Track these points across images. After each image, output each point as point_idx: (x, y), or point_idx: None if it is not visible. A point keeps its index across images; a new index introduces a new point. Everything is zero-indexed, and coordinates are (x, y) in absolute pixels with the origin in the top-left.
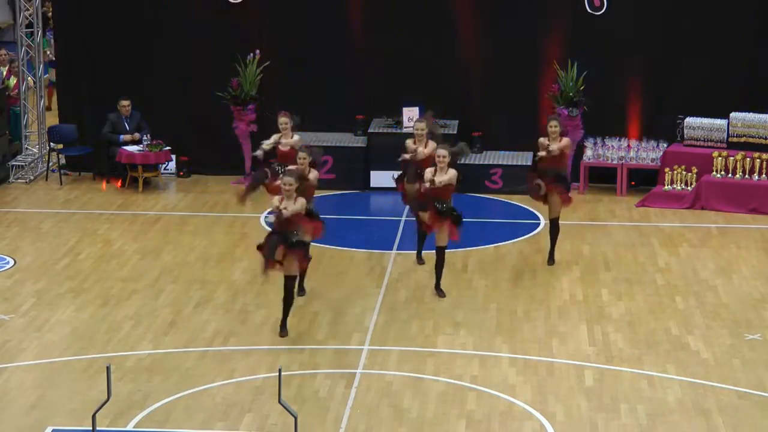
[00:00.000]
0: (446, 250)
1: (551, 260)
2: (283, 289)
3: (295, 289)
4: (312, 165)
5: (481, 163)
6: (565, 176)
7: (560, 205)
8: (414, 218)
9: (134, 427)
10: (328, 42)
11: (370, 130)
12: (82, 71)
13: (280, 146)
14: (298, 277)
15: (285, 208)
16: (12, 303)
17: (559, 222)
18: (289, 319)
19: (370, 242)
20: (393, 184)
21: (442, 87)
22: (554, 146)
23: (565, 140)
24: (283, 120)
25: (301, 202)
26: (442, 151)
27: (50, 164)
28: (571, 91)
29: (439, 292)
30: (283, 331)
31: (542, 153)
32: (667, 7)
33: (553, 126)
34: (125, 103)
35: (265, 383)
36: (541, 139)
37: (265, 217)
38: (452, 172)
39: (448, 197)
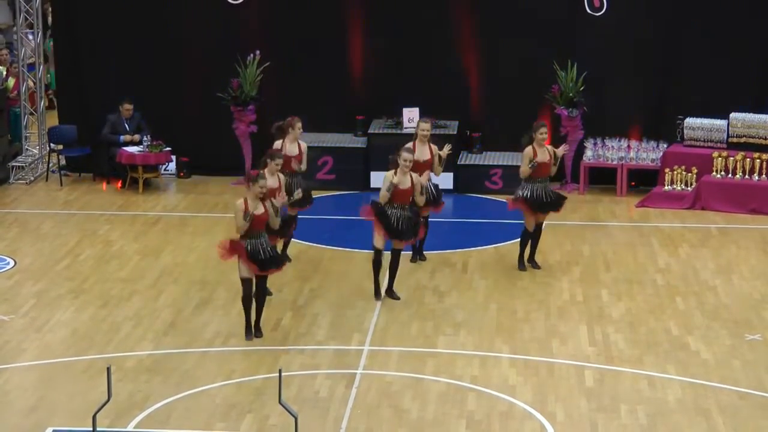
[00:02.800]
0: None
1: (534, 264)
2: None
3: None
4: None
5: (481, 163)
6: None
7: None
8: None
9: (134, 427)
10: (328, 42)
11: (370, 131)
12: (82, 72)
13: (286, 152)
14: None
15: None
16: (12, 304)
17: (558, 222)
18: (289, 319)
19: (370, 243)
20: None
21: (442, 87)
22: (560, 150)
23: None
24: (298, 125)
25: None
26: (408, 155)
27: (50, 165)
28: (570, 91)
29: (392, 294)
30: (258, 333)
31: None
32: (667, 7)
33: (543, 132)
34: (128, 106)
35: (266, 384)
36: (528, 150)
37: None
38: (415, 177)
39: (408, 201)
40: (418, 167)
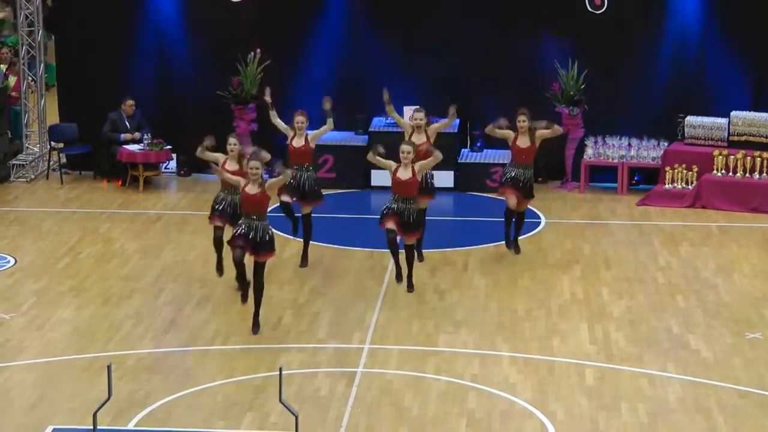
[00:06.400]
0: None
1: (516, 247)
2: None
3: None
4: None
5: (482, 161)
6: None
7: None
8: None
9: (135, 426)
10: (328, 40)
11: (370, 129)
12: (83, 70)
13: (293, 144)
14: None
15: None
16: (13, 302)
17: (559, 221)
18: (290, 318)
19: (371, 241)
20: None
21: (443, 86)
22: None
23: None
24: (301, 119)
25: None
26: (407, 147)
27: (51, 163)
28: (571, 90)
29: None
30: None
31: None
32: (666, 5)
33: (520, 120)
34: (131, 102)
35: (266, 382)
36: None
37: None
38: (417, 167)
39: (412, 193)
40: (519, 152)
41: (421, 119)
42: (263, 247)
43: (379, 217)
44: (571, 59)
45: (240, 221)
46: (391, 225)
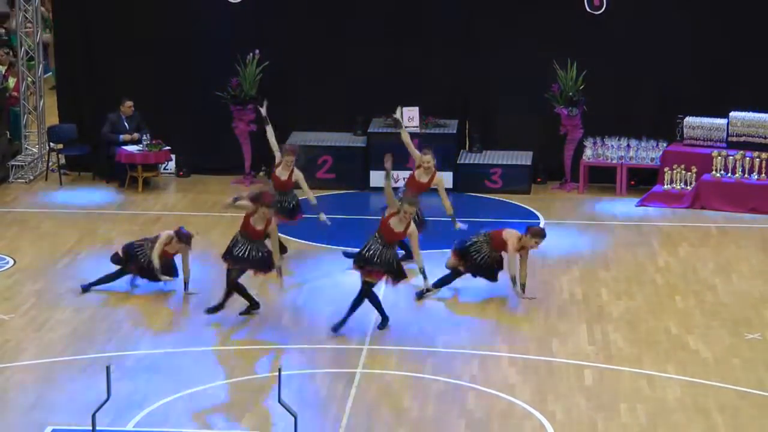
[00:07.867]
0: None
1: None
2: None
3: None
4: None
5: (481, 162)
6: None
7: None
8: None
9: (134, 426)
10: (327, 41)
11: (369, 130)
12: (82, 71)
13: (277, 174)
14: None
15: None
16: (12, 303)
17: (558, 221)
18: (288, 319)
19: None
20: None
21: (442, 86)
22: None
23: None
24: (290, 159)
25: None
26: (410, 208)
27: (50, 164)
28: (570, 90)
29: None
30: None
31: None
32: (667, 6)
33: (427, 162)
34: (129, 103)
35: (265, 383)
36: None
37: None
38: (412, 228)
39: (394, 243)
40: (415, 186)
41: (428, 162)
42: (261, 263)
43: (355, 257)
44: (570, 60)
45: (240, 241)
46: (371, 279)
